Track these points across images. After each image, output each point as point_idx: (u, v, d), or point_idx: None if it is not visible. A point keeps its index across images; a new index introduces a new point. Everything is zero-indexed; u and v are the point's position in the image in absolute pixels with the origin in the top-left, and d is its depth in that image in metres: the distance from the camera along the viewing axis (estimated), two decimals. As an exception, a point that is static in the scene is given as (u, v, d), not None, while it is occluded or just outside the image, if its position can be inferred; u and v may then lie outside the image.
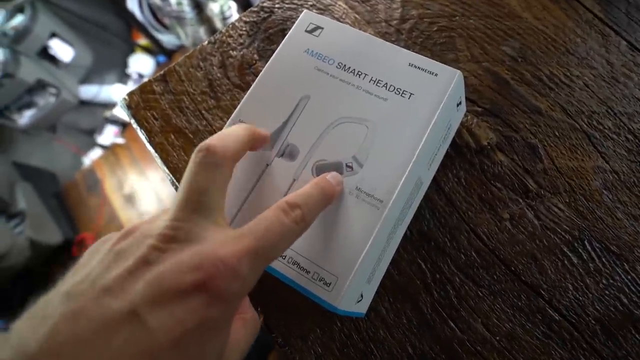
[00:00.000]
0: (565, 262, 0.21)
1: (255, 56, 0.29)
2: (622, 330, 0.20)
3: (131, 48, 1.44)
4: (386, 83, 0.22)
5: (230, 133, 0.18)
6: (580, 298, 0.21)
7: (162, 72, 0.30)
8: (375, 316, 0.22)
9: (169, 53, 1.45)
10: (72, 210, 1.31)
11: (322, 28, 0.24)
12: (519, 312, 0.21)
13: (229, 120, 0.22)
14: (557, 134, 0.24)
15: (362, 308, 0.21)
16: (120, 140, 1.38)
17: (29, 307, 0.13)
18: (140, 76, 1.42)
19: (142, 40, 1.42)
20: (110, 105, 1.38)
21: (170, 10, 1.15)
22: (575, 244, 0.22)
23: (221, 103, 0.28)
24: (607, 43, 0.26)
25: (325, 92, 0.22)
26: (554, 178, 0.23)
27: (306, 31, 0.24)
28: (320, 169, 0.21)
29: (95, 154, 1.39)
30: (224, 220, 0.15)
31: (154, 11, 1.29)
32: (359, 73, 0.22)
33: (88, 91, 1.33)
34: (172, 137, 0.28)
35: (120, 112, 1.36)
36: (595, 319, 0.20)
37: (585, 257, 0.21)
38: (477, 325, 0.21)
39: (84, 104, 1.34)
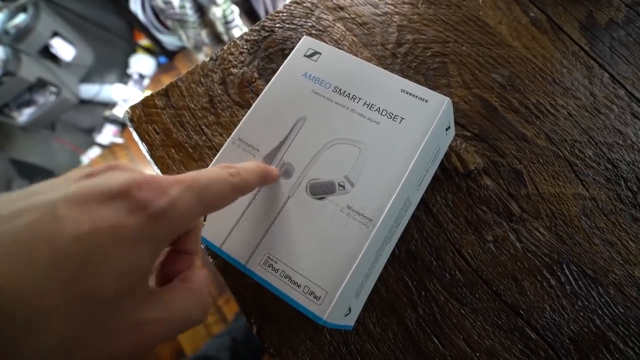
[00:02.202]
0: (544, 284, 0.23)
1: (255, 74, 0.31)
2: (594, 350, 0.21)
3: (132, 48, 1.45)
4: (379, 107, 0.23)
5: (254, 170, 0.19)
6: (557, 319, 0.22)
7: (164, 87, 0.31)
8: (363, 330, 0.23)
9: (170, 54, 1.46)
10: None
11: (320, 53, 0.25)
12: (499, 330, 0.22)
13: (230, 138, 0.23)
14: (541, 160, 0.25)
15: (350, 321, 0.22)
16: (119, 140, 1.38)
17: None
18: (141, 76, 1.43)
19: (144, 41, 1.43)
20: (110, 105, 1.39)
21: (172, 13, 1.16)
22: (554, 267, 0.23)
23: (221, 119, 0.29)
24: (591, 75, 0.27)
25: (321, 114, 0.23)
26: (537, 203, 0.24)
27: (305, 56, 0.25)
28: (314, 187, 0.22)
29: (93, 152, 1.39)
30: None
31: (156, 12, 1.30)
32: (354, 97, 0.23)
33: (88, 90, 1.33)
34: (173, 151, 0.29)
35: (120, 112, 1.37)
36: (569, 339, 0.22)
37: (563, 280, 0.23)
38: (459, 342, 0.22)
39: (84, 103, 1.34)
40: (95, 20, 1.28)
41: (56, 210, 0.11)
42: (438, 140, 0.23)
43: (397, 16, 0.31)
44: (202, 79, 0.31)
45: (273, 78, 0.24)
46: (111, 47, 1.37)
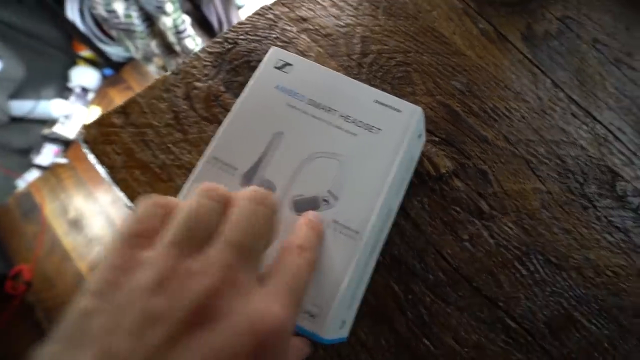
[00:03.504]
0: (517, 275, 0.24)
1: (222, 88, 0.30)
2: (564, 330, 0.23)
3: (72, 60, 1.34)
4: (355, 119, 0.23)
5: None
6: (531, 306, 0.24)
7: (121, 104, 0.29)
8: (356, 341, 0.23)
9: (117, 65, 1.37)
10: (4, 240, 1.16)
11: (292, 64, 0.25)
12: (482, 323, 0.23)
13: (204, 158, 0.22)
14: (502, 160, 0.27)
15: (344, 333, 0.22)
16: (62, 160, 1.26)
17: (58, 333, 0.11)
18: (84, 90, 1.32)
19: (85, 52, 1.32)
20: (49, 122, 1.26)
21: (117, 23, 1.09)
22: (524, 258, 0.25)
23: (188, 136, 0.28)
24: (536, 80, 0.30)
25: (298, 128, 0.23)
26: (503, 200, 0.26)
27: (275, 67, 0.24)
28: (298, 204, 0.21)
29: (31, 175, 1.25)
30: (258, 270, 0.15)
31: (98, 22, 1.21)
32: (329, 109, 0.23)
33: (20, 107, 1.20)
34: (137, 172, 0.27)
35: (62, 129, 1.25)
36: (544, 323, 0.23)
37: (532, 269, 0.25)
38: (448, 340, 0.23)
39: (16, 120, 1.20)
40: (26, 30, 1.16)
41: None
42: (412, 147, 0.24)
43: (359, 27, 0.32)
44: (164, 94, 0.29)
45: (244, 91, 0.24)
46: (46, 59, 1.24)
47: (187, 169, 0.27)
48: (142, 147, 0.28)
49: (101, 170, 0.27)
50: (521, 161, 0.27)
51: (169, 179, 0.27)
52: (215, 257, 0.13)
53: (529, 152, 0.28)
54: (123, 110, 0.29)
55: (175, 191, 0.26)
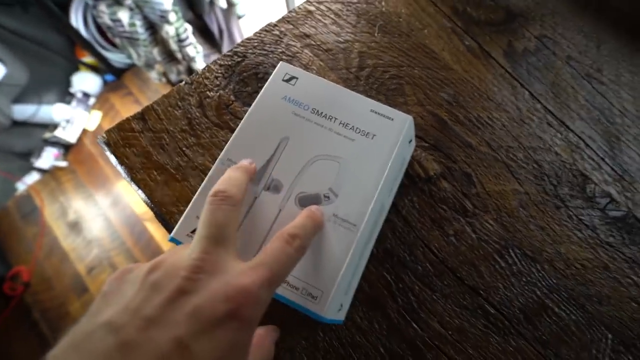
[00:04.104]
0: (497, 266, 0.27)
1: (232, 97, 0.32)
2: (537, 316, 0.26)
3: (74, 66, 1.36)
4: (353, 126, 0.26)
5: (236, 177, 0.21)
6: (508, 294, 0.27)
7: (140, 111, 0.32)
8: (352, 324, 0.26)
9: (118, 72, 1.40)
10: (3, 242, 1.17)
11: (297, 78, 0.28)
12: (465, 310, 0.26)
13: (217, 159, 0.25)
14: (485, 164, 0.30)
15: (342, 316, 0.24)
16: (62, 164, 1.27)
17: (63, 339, 0.14)
18: (86, 95, 1.34)
19: (87, 58, 1.35)
20: (50, 126, 1.28)
21: (121, 31, 1.12)
22: (503, 252, 0.28)
23: (201, 140, 0.31)
24: (515, 92, 0.33)
25: (302, 133, 0.26)
26: (485, 200, 0.29)
27: (283, 80, 0.27)
28: (302, 200, 0.24)
29: (31, 178, 1.26)
30: (236, 253, 0.18)
31: (101, 28, 1.24)
32: (330, 117, 0.26)
33: (23, 111, 1.22)
34: (155, 173, 0.29)
35: (63, 133, 1.26)
36: (519, 310, 0.26)
37: (510, 262, 0.27)
38: (434, 324, 0.26)
39: (18, 124, 1.22)
40: (31, 36, 1.18)
41: (190, 350, 0.13)
42: (404, 152, 0.27)
43: (357, 43, 0.35)
44: (179, 102, 0.32)
45: (255, 101, 0.27)
46: (49, 65, 1.27)
47: (200, 170, 0.30)
48: (158, 150, 0.30)
49: (121, 170, 0.30)
50: (502, 165, 0.31)
51: (183, 179, 0.29)
52: (194, 247, 0.17)
53: (509, 157, 0.31)
54: (142, 116, 0.31)
55: (189, 190, 0.29)
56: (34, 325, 1.08)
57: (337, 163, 0.25)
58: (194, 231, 0.23)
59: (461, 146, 0.31)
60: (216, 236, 0.17)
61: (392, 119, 0.26)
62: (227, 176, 0.21)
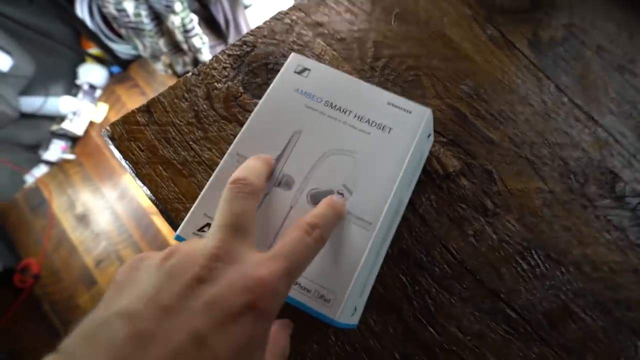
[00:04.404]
0: (518, 269, 0.26)
1: (240, 89, 0.31)
2: (561, 321, 0.25)
3: (81, 57, 1.36)
4: (368, 119, 0.25)
5: (256, 166, 0.20)
6: (530, 298, 0.25)
7: (145, 103, 0.31)
8: (365, 328, 0.24)
9: (124, 63, 1.39)
10: (13, 234, 1.18)
11: (309, 70, 0.26)
12: (485, 314, 0.25)
13: (227, 154, 0.24)
14: (507, 161, 0.29)
15: (355, 319, 0.23)
16: (69, 156, 1.28)
17: (76, 329, 0.13)
18: (92, 87, 1.34)
19: (93, 50, 1.34)
20: (57, 119, 1.28)
21: (127, 21, 1.10)
22: (525, 253, 0.26)
23: (209, 134, 0.30)
24: (540, 85, 0.32)
25: (315, 127, 0.25)
26: (507, 198, 0.28)
27: (295, 72, 0.26)
28: (315, 197, 0.23)
29: (39, 171, 1.27)
30: (254, 243, 0.17)
31: (107, 20, 1.23)
32: (345, 110, 0.25)
33: (30, 103, 1.22)
34: (160, 168, 0.28)
35: (70, 126, 1.27)
36: (542, 314, 0.25)
37: (532, 264, 0.26)
38: (451, 329, 0.24)
39: (26, 117, 1.22)
40: (36, 27, 1.18)
41: (207, 343, 0.13)
42: (422, 147, 0.25)
43: (372, 33, 0.33)
44: (186, 94, 0.31)
45: (266, 93, 0.25)
46: (56, 56, 1.27)
47: (207, 165, 0.29)
48: (164, 145, 0.29)
49: (126, 165, 0.29)
50: (525, 162, 0.29)
51: (190, 174, 0.28)
52: (210, 235, 0.17)
53: (533, 154, 0.29)
54: (147, 109, 0.30)
55: (196, 186, 0.28)
56: (44, 317, 1.10)
57: (352, 158, 0.24)
58: (200, 229, 0.22)
59: (482, 142, 0.29)
60: (234, 225, 0.17)
61: (410, 112, 0.25)
62: (247, 165, 0.21)
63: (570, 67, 0.32)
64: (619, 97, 0.32)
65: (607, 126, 0.30)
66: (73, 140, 1.32)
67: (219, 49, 1.26)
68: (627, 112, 0.31)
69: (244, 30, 1.25)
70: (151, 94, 1.30)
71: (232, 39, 1.24)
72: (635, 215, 0.28)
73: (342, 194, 0.23)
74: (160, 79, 1.37)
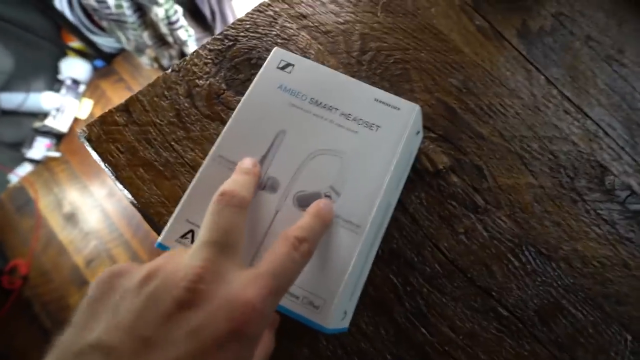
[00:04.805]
0: (510, 266, 0.26)
1: (223, 86, 0.30)
2: (553, 317, 0.25)
3: (62, 51, 1.31)
4: (355, 117, 0.24)
5: (244, 179, 0.20)
6: (522, 295, 0.25)
7: (123, 102, 0.29)
8: (357, 331, 0.24)
9: (108, 57, 1.34)
10: (0, 235, 1.16)
11: (293, 65, 0.25)
12: (476, 313, 0.25)
13: (208, 156, 0.23)
14: (497, 156, 0.28)
15: (346, 323, 0.23)
16: (54, 154, 1.24)
17: (50, 356, 0.12)
18: (75, 82, 1.29)
19: (75, 43, 1.29)
20: (40, 115, 1.24)
21: (108, 13, 1.06)
22: (516, 250, 0.26)
23: (191, 134, 0.28)
24: (530, 77, 0.31)
25: (300, 126, 0.24)
26: (497, 195, 0.27)
27: (278, 68, 0.25)
28: (301, 200, 0.22)
29: (23, 170, 1.24)
30: (241, 260, 0.17)
31: (87, 11, 1.18)
32: (331, 108, 0.24)
33: (11, 100, 1.18)
34: (141, 170, 0.27)
35: (53, 123, 1.23)
36: (534, 311, 0.25)
37: (524, 261, 0.26)
38: (443, 329, 0.24)
39: (7, 114, 1.18)
40: (13, 20, 1.13)
41: None
42: (411, 144, 0.25)
43: (358, 25, 0.32)
44: (166, 92, 0.30)
45: (248, 91, 0.24)
46: (35, 50, 1.22)
47: (191, 166, 0.27)
48: (145, 145, 0.28)
49: (105, 168, 0.28)
50: (515, 157, 0.28)
51: (172, 176, 0.27)
52: (195, 253, 0.15)
53: (523, 148, 0.29)
54: (125, 108, 0.29)
55: (179, 188, 0.27)
56: (35, 318, 1.08)
57: (339, 158, 0.23)
58: (183, 236, 0.22)
59: (472, 137, 0.29)
60: (220, 242, 0.16)
61: (398, 109, 0.24)
62: (234, 178, 0.20)
63: (559, 58, 0.32)
64: (608, 88, 0.31)
65: (597, 118, 0.30)
66: (58, 138, 1.28)
67: (206, 41, 1.22)
68: (616, 104, 0.31)
69: (231, 21, 1.22)
70: (137, 89, 1.27)
71: (218, 30, 1.20)
72: (624, 209, 0.28)
73: (329, 196, 0.22)
74: (146, 74, 1.33)
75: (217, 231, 0.16)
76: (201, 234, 0.16)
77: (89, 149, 0.28)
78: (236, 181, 0.19)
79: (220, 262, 0.15)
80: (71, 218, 1.18)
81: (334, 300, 0.20)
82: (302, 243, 0.17)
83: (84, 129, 0.28)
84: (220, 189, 0.18)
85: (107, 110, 0.29)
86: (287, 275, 0.16)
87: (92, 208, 1.19)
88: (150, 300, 0.13)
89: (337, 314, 0.20)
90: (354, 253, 0.21)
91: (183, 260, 0.15)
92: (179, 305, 0.13)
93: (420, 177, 0.28)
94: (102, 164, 0.28)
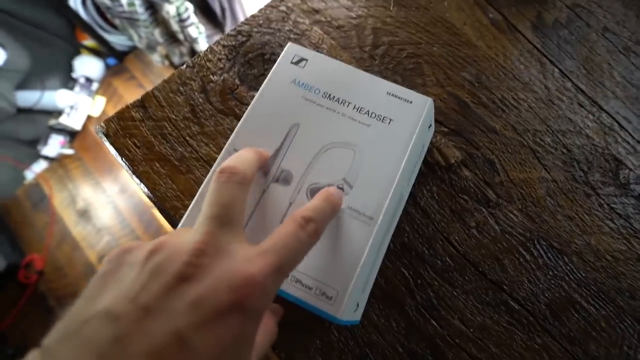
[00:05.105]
0: (521, 260, 0.26)
1: (237, 81, 0.30)
2: (565, 311, 0.25)
3: (76, 49, 1.33)
4: (368, 110, 0.24)
5: (246, 156, 0.20)
6: (533, 289, 0.25)
7: (139, 98, 0.30)
8: (368, 323, 0.24)
9: (120, 55, 1.36)
10: (15, 230, 1.19)
11: (307, 59, 0.25)
12: (487, 306, 0.25)
13: (224, 149, 0.23)
14: (509, 150, 0.28)
15: (358, 316, 0.23)
16: (68, 151, 1.27)
17: (59, 323, 0.13)
18: (89, 80, 1.32)
19: (89, 41, 1.31)
20: (55, 113, 1.27)
21: (120, 11, 1.08)
22: (528, 244, 0.26)
23: (205, 129, 0.29)
24: (544, 70, 0.31)
25: (314, 120, 0.24)
26: (509, 189, 0.27)
27: (292, 63, 0.25)
28: (314, 192, 0.22)
29: (39, 166, 1.27)
30: (244, 235, 0.17)
31: (100, 10, 1.20)
32: (344, 102, 0.24)
33: (27, 98, 1.21)
34: (157, 165, 0.28)
35: (67, 120, 1.25)
36: (545, 305, 0.25)
37: (535, 254, 0.26)
38: (454, 321, 0.24)
39: (23, 111, 1.21)
40: (29, 19, 1.15)
41: (190, 345, 0.12)
42: (423, 138, 0.25)
43: (371, 19, 0.32)
44: (181, 88, 0.30)
45: (262, 86, 0.25)
46: (50, 49, 1.24)
47: (205, 161, 0.28)
48: (161, 140, 0.29)
49: (122, 162, 0.28)
50: (528, 151, 0.28)
51: (187, 171, 0.28)
52: (197, 228, 0.16)
53: (536, 142, 0.29)
54: (141, 104, 0.30)
55: (194, 183, 0.27)
56: (51, 312, 1.11)
57: (352, 151, 0.23)
58: (200, 227, 0.22)
59: (484, 131, 0.29)
60: (221, 216, 0.16)
61: (411, 102, 0.24)
62: (237, 154, 0.20)
63: (575, 50, 0.31)
64: (625, 81, 0.31)
65: (612, 111, 0.30)
66: (71, 135, 1.31)
67: (216, 38, 1.23)
68: (632, 96, 0.30)
69: (241, 18, 1.22)
70: (149, 86, 1.29)
71: (229, 27, 1.21)
72: (639, 203, 0.27)
73: (342, 188, 0.22)
74: (157, 71, 1.35)
75: (217, 206, 0.16)
76: (203, 210, 0.16)
77: (107, 144, 0.29)
78: (237, 158, 0.19)
79: (220, 236, 0.15)
80: (84, 214, 1.20)
81: (347, 291, 0.20)
82: (309, 223, 0.17)
83: (102, 124, 0.29)
84: (221, 165, 0.18)
85: (123, 106, 0.29)
86: (292, 254, 0.16)
87: (104, 204, 1.21)
88: (153, 274, 0.14)
89: (350, 305, 0.21)
90: (367, 244, 0.21)
91: (187, 236, 0.16)
92: (180, 278, 0.14)
93: (432, 170, 0.28)
94: (119, 159, 0.28)
